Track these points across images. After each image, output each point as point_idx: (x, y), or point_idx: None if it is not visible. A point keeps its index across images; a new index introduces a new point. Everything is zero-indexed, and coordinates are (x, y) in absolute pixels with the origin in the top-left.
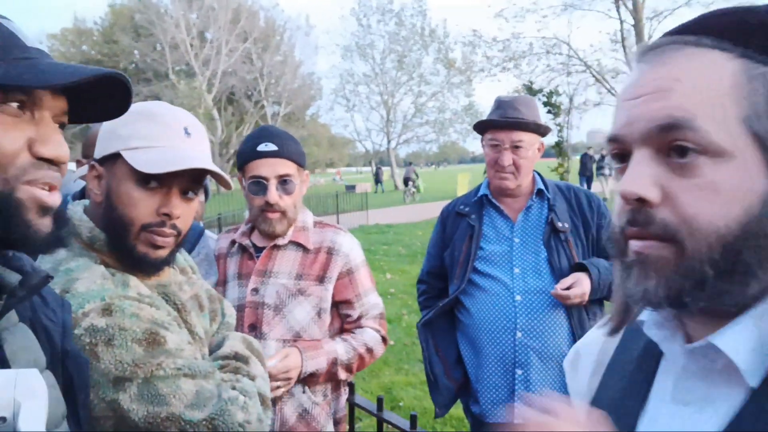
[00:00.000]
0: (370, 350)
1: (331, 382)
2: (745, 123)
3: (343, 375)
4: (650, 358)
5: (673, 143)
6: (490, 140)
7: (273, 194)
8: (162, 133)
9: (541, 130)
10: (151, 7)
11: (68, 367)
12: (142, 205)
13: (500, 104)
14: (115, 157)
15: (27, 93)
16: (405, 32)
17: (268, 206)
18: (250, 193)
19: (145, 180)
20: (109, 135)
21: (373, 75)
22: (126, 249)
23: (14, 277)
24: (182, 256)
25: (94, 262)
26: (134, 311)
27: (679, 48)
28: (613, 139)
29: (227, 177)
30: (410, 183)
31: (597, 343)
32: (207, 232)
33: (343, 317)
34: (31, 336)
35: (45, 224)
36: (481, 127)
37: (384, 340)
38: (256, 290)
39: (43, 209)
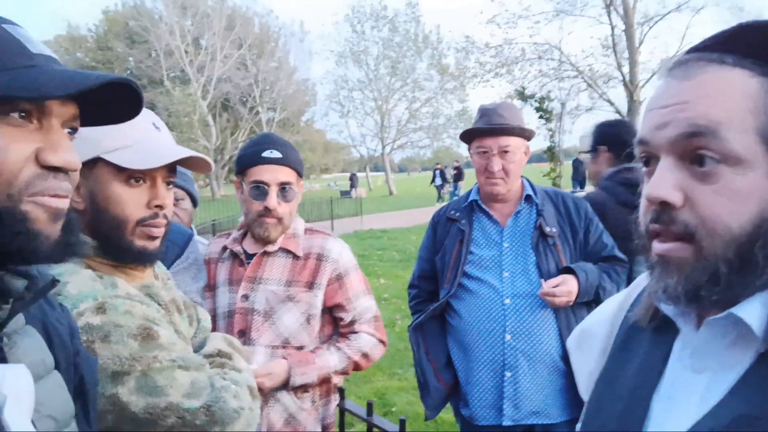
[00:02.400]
0: (365, 355)
1: (320, 388)
2: (762, 135)
3: (336, 380)
4: (665, 334)
5: (695, 151)
6: (478, 148)
7: (273, 200)
8: (134, 132)
9: (526, 134)
10: (146, 13)
11: (79, 366)
12: (132, 202)
13: (484, 112)
14: (92, 163)
15: (33, 102)
16: (399, 38)
17: (267, 211)
18: (249, 198)
19: (130, 178)
20: (82, 143)
21: (367, 81)
22: (124, 246)
23: (20, 283)
24: (156, 266)
25: (80, 266)
26: (127, 308)
27: (704, 65)
28: (641, 142)
29: (206, 157)
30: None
31: (604, 323)
32: (197, 237)
33: (336, 321)
34: (38, 338)
35: (55, 231)
36: (468, 136)
37: (382, 342)
38: (246, 296)
39: (54, 215)
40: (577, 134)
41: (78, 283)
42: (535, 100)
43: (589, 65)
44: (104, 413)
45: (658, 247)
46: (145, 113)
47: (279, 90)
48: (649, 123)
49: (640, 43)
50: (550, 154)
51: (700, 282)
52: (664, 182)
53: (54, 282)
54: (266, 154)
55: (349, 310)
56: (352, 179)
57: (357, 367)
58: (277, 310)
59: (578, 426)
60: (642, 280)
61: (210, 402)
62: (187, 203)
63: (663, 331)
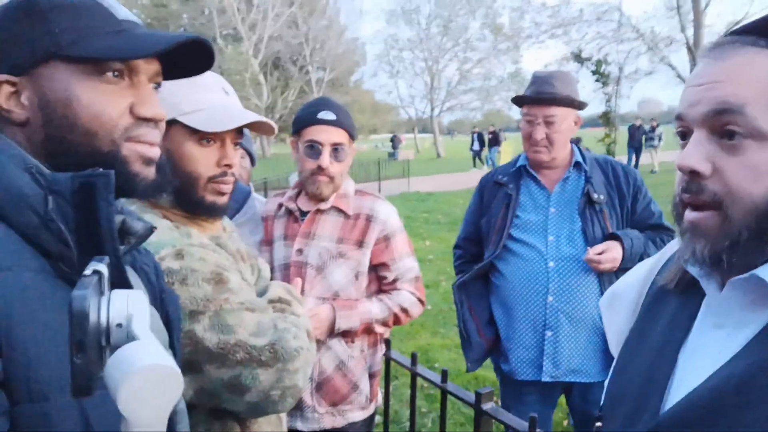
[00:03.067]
0: (405, 310)
1: (368, 338)
2: None
3: (380, 329)
4: (692, 296)
5: (724, 126)
6: (525, 115)
7: (326, 159)
8: (207, 97)
9: (576, 105)
10: None
11: (165, 302)
12: (204, 161)
13: (535, 79)
14: (169, 124)
15: (124, 62)
16: None
17: (320, 170)
18: (304, 156)
19: (202, 138)
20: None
21: (417, 40)
22: (196, 200)
23: (140, 225)
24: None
25: (159, 217)
26: (201, 255)
27: (738, 47)
28: (678, 117)
29: (270, 122)
30: None
31: (635, 284)
32: (254, 194)
33: (380, 279)
34: (136, 277)
35: (150, 172)
36: (518, 102)
37: (421, 302)
38: (300, 251)
39: (147, 161)
40: (635, 99)
41: (158, 232)
42: (592, 63)
43: (650, 27)
44: (182, 347)
45: (689, 215)
46: (216, 78)
47: (329, 49)
48: (686, 100)
49: (707, 5)
50: (606, 119)
51: (723, 246)
52: (694, 154)
53: (152, 229)
54: (321, 115)
55: (393, 269)
56: (393, 141)
57: (397, 320)
58: (329, 264)
59: (608, 379)
60: (671, 246)
61: (274, 341)
62: (246, 162)
63: (690, 293)
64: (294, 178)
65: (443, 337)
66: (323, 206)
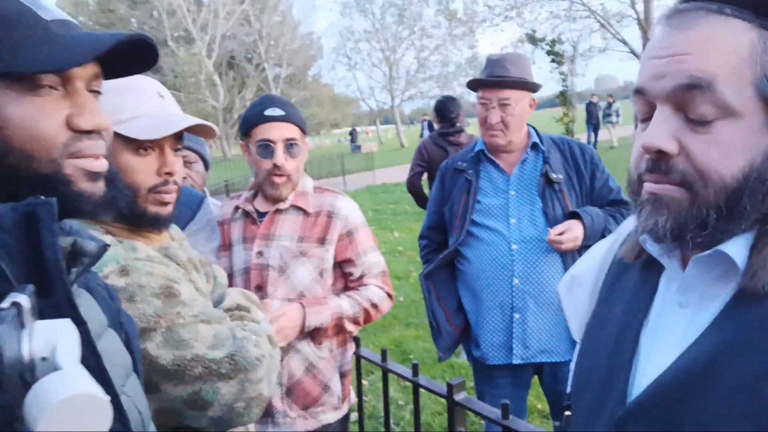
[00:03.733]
0: (375, 305)
1: (337, 338)
2: (756, 87)
3: (350, 327)
4: (651, 273)
5: (692, 101)
6: (480, 98)
7: (280, 156)
8: (142, 102)
9: (529, 87)
10: None
11: (124, 323)
12: (143, 171)
13: (489, 63)
14: None
15: (57, 73)
16: None
17: (276, 169)
18: (257, 157)
19: (139, 147)
20: None
21: (373, 31)
22: (138, 212)
23: (93, 245)
24: (171, 228)
25: (102, 233)
26: (148, 270)
27: (704, 15)
28: (638, 91)
29: (211, 124)
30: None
31: (593, 266)
32: (210, 199)
33: (346, 276)
34: (91, 299)
35: (98, 188)
36: (473, 86)
37: (389, 296)
38: (260, 253)
39: (92, 176)
40: (590, 77)
41: None
42: (546, 44)
43: (601, 4)
44: None
45: (650, 186)
46: (151, 82)
47: (284, 45)
48: (648, 72)
49: None
50: (563, 99)
51: (688, 225)
52: (660, 132)
53: (105, 247)
54: (269, 112)
55: (358, 264)
56: (352, 134)
57: (368, 317)
58: (291, 264)
59: (572, 365)
60: (629, 222)
61: (233, 351)
62: (199, 166)
63: (649, 270)
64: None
65: (416, 327)
66: (282, 206)
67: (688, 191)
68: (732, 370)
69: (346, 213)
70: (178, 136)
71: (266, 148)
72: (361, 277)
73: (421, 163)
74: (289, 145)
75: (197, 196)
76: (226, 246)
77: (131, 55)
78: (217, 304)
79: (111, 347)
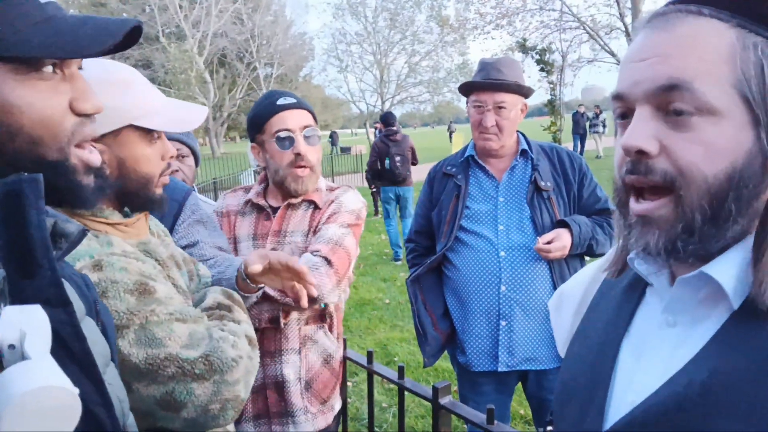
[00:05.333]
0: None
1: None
2: (736, 87)
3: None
4: (635, 290)
5: (672, 103)
6: (474, 102)
7: (302, 144)
8: (149, 96)
9: (524, 91)
10: None
11: (100, 312)
12: (155, 159)
13: (483, 66)
14: (117, 131)
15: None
16: None
17: (299, 159)
18: (277, 149)
19: (151, 138)
20: (112, 113)
21: (365, 34)
22: (153, 198)
23: (74, 227)
24: (153, 223)
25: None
26: (123, 265)
27: (683, 16)
28: (617, 97)
29: (206, 108)
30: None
31: (581, 284)
32: (199, 195)
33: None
34: (69, 287)
35: (91, 180)
36: (466, 89)
37: (328, 262)
38: (274, 250)
39: (89, 169)
40: (578, 87)
41: None
42: (536, 53)
43: (591, 16)
44: None
45: (638, 207)
46: (136, 73)
47: (276, 45)
48: (628, 78)
49: None
50: (551, 108)
51: (677, 233)
52: (640, 132)
53: (85, 231)
54: (281, 101)
55: (318, 233)
56: (332, 137)
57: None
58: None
59: (558, 380)
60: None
61: (208, 352)
62: (191, 160)
63: (632, 287)
64: (246, 177)
65: (402, 330)
66: (293, 200)
67: (671, 197)
68: (735, 395)
69: (344, 200)
70: None
71: (284, 139)
72: (310, 243)
73: (373, 154)
74: (307, 133)
75: (183, 188)
76: (231, 240)
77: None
78: (198, 302)
79: (91, 335)
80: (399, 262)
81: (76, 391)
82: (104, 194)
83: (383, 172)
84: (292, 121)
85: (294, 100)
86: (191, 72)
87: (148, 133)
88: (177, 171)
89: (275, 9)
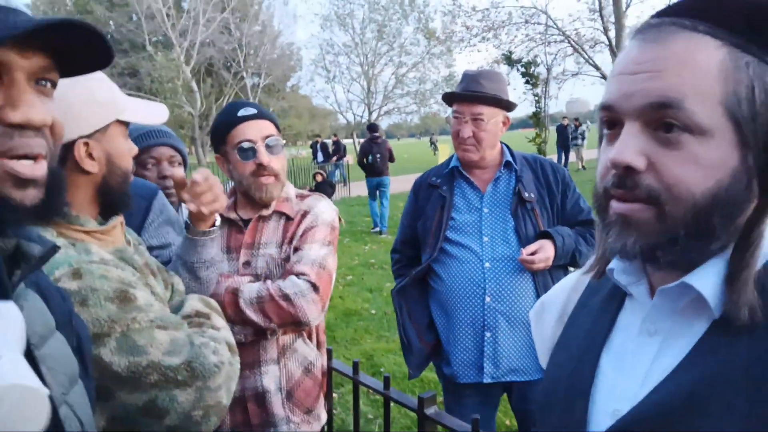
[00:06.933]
0: (286, 297)
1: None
2: (726, 106)
3: (251, 313)
4: (614, 300)
5: (662, 120)
6: (454, 112)
7: (263, 155)
8: (117, 91)
9: (503, 104)
10: None
11: (76, 325)
12: (130, 155)
13: (464, 78)
14: (106, 127)
15: None
16: (385, 1)
17: (261, 169)
18: (239, 160)
19: (126, 133)
20: (102, 108)
21: (353, 45)
22: (126, 194)
23: (36, 248)
24: (125, 231)
25: (53, 235)
26: (102, 273)
27: (676, 31)
28: (605, 108)
29: (163, 105)
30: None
31: (562, 294)
32: (162, 194)
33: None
34: (39, 300)
35: (28, 196)
36: (448, 100)
37: (315, 288)
38: (248, 263)
39: (21, 182)
40: (563, 100)
41: None
42: (522, 65)
43: (575, 29)
44: None
45: (617, 206)
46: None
47: (263, 55)
48: (617, 89)
49: (627, 7)
50: (536, 120)
51: (658, 243)
52: (628, 148)
53: (55, 248)
54: (241, 113)
55: (299, 252)
56: (314, 147)
57: (278, 308)
58: (276, 273)
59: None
60: None
61: (190, 358)
62: (181, 168)
63: (612, 295)
64: (231, 186)
65: (388, 341)
66: (265, 212)
67: (655, 208)
68: (719, 402)
69: (318, 211)
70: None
71: (246, 149)
72: (293, 264)
73: (361, 153)
74: (269, 143)
75: (150, 187)
76: None
77: (86, 49)
78: (175, 311)
79: (57, 352)
80: (376, 230)
81: (46, 391)
82: (53, 214)
83: (367, 166)
84: (253, 131)
85: (254, 111)
86: (178, 81)
87: (125, 127)
88: (169, 177)
89: (263, 19)
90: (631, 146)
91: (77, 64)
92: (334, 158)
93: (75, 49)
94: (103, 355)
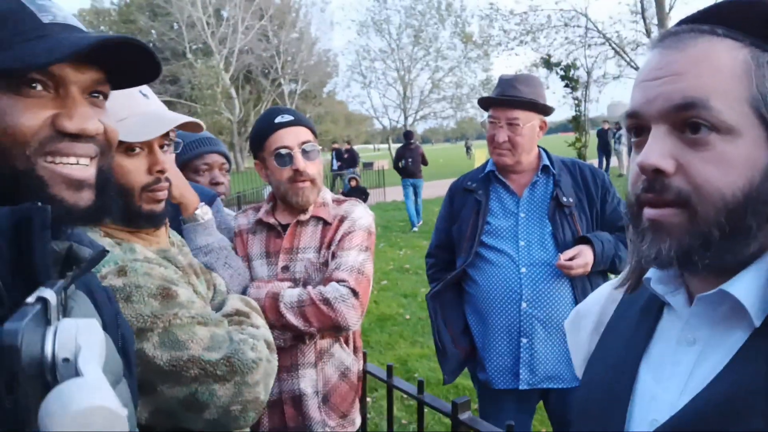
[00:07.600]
0: (326, 301)
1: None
2: (752, 104)
3: (291, 317)
4: (652, 310)
5: (688, 120)
6: (489, 117)
7: (300, 161)
8: (127, 104)
9: (540, 108)
10: None
11: (121, 325)
12: (135, 171)
13: (500, 82)
14: None
15: (42, 72)
16: (421, 6)
17: (297, 175)
18: (276, 167)
19: (127, 149)
20: None
21: (389, 51)
22: (134, 211)
23: (87, 251)
24: (171, 233)
25: (100, 235)
26: (146, 271)
27: (695, 36)
28: (631, 115)
29: (196, 120)
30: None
31: (597, 303)
32: (225, 208)
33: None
34: (88, 301)
35: (81, 198)
36: (484, 105)
37: (355, 293)
38: (286, 267)
39: (73, 183)
40: (603, 103)
41: None
42: (561, 69)
43: (616, 32)
44: None
45: (650, 212)
46: None
47: (300, 61)
48: (641, 96)
49: (671, 9)
50: (576, 124)
51: (692, 246)
52: (656, 151)
53: (104, 252)
54: (278, 120)
55: (337, 258)
56: (337, 153)
57: (318, 312)
58: (315, 277)
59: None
60: None
61: (229, 354)
62: (228, 176)
63: (650, 305)
64: (269, 191)
65: (422, 346)
66: (302, 217)
67: (685, 210)
68: (758, 414)
69: (356, 216)
70: (165, 134)
71: (283, 156)
72: (334, 269)
73: (397, 158)
74: (306, 148)
75: (209, 194)
76: (244, 258)
77: (136, 64)
78: (217, 310)
79: (106, 353)
80: (414, 230)
81: (125, 413)
82: (104, 215)
83: (401, 169)
84: (289, 138)
85: (291, 118)
86: (217, 88)
87: (121, 143)
88: (221, 184)
89: (300, 26)
90: (658, 149)
91: (128, 77)
92: (340, 164)
93: (127, 63)
94: (146, 350)
